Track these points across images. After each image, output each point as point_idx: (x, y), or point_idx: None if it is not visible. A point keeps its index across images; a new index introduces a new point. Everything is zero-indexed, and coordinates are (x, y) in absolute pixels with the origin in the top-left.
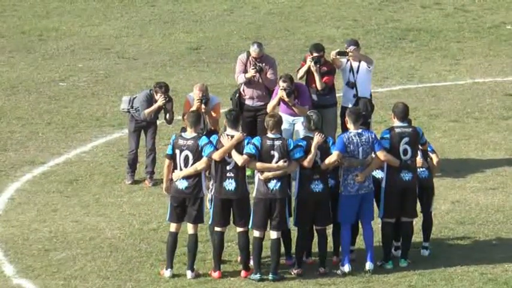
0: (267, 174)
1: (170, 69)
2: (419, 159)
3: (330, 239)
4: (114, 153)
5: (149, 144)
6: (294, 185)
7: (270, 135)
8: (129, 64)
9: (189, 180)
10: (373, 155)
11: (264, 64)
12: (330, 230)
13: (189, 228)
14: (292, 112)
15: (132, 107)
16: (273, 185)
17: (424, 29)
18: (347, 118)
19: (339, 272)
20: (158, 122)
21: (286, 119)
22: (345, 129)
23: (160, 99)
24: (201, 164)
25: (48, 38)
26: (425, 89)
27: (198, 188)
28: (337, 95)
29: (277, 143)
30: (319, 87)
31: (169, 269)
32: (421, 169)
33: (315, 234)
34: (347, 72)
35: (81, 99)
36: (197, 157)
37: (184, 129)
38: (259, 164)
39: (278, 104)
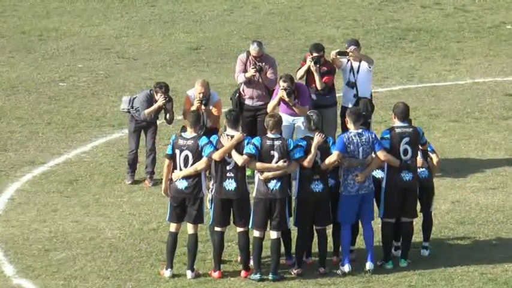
0: (267, 174)
1: (170, 69)
2: (419, 159)
3: (330, 239)
4: (114, 153)
5: (149, 144)
6: (294, 185)
7: (270, 135)
8: (129, 64)
9: (189, 180)
10: (373, 155)
11: (264, 64)
12: (330, 230)
13: (189, 228)
14: (293, 112)
15: (132, 107)
16: (273, 185)
17: (424, 29)
18: (347, 118)
19: (339, 272)
20: (158, 122)
21: (286, 119)
22: (345, 129)
23: (160, 99)
24: (201, 164)
25: (48, 38)
26: (425, 89)
27: (198, 188)
28: (337, 94)
29: (277, 143)
30: (319, 87)
31: (169, 269)
32: (421, 169)
33: (315, 234)
34: (347, 72)
35: (81, 100)
36: (197, 157)
37: (184, 129)
38: (259, 164)
39: (278, 104)
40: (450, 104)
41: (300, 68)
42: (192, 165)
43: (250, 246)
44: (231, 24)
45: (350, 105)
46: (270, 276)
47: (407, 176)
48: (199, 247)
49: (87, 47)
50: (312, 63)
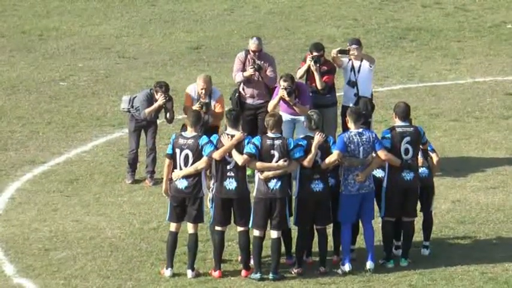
0: (267, 173)
1: (170, 69)
2: (419, 159)
3: (330, 238)
4: (115, 153)
5: (149, 144)
6: (295, 184)
7: (270, 134)
8: (130, 64)
9: (189, 179)
10: (374, 155)
11: (263, 62)
12: (330, 229)
13: (189, 227)
14: (293, 111)
15: (132, 107)
16: (273, 184)
17: (424, 28)
18: (348, 117)
19: (339, 271)
20: (158, 121)
21: (287, 119)
22: (345, 128)
23: (160, 99)
24: (201, 164)
25: (49, 38)
26: (425, 88)
27: (198, 187)
28: (337, 94)
29: (277, 142)
30: (319, 86)
31: (169, 269)
32: (422, 168)
33: (315, 233)
34: (348, 71)
35: (82, 99)
36: (197, 156)
37: (184, 128)
38: (259, 164)
39: (278, 103)
40: (450, 103)
41: (299, 68)
42: (192, 164)
43: (251, 246)
44: (231, 23)
45: (351, 105)
46: (271, 276)
47: (408, 176)
48: (199, 246)
49: (87, 46)
50: (312, 63)
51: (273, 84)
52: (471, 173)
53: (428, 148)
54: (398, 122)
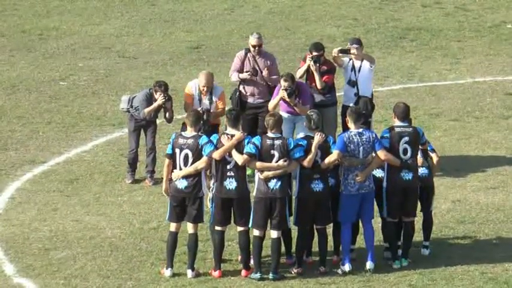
0: (267, 173)
1: (171, 68)
2: (419, 159)
3: (330, 238)
4: (115, 153)
5: (149, 144)
6: (295, 184)
7: (270, 134)
8: (130, 63)
9: (189, 179)
10: (374, 155)
11: (263, 60)
12: (330, 229)
13: (189, 227)
14: (293, 111)
15: (131, 107)
16: (273, 184)
17: (424, 28)
18: (348, 117)
19: (339, 271)
20: (158, 121)
21: (287, 118)
22: (345, 128)
23: (159, 98)
24: (201, 163)
25: (49, 37)
26: (425, 88)
27: (198, 187)
28: (337, 94)
29: (277, 142)
30: (319, 86)
31: (169, 268)
32: (421, 168)
33: (315, 233)
34: (348, 71)
35: (82, 99)
36: (197, 156)
37: (184, 128)
38: (259, 164)
39: (278, 102)
40: (450, 103)
41: (299, 68)
42: (192, 164)
43: (251, 246)
44: (231, 23)
45: (351, 104)
46: (271, 276)
47: (407, 176)
48: (199, 246)
49: (87, 46)
50: (312, 63)
51: (276, 84)
52: (471, 173)
53: (428, 148)
54: (397, 122)
